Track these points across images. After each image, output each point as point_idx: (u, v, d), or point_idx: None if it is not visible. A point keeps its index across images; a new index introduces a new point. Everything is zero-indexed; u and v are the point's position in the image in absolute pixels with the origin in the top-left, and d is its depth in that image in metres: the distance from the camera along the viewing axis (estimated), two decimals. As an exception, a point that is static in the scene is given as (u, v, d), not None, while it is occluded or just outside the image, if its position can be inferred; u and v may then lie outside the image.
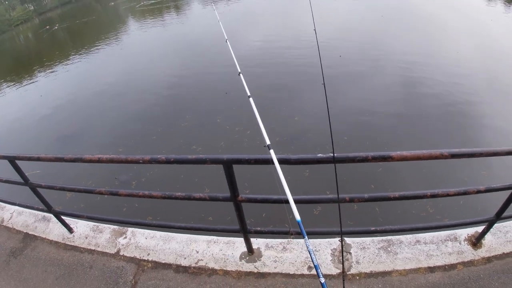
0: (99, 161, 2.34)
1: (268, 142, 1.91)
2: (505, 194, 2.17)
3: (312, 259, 1.29)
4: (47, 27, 25.17)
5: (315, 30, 2.75)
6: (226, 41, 3.35)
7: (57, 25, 25.40)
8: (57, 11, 33.23)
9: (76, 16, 27.84)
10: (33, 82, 12.96)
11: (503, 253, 2.41)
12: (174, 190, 4.87)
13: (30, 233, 3.32)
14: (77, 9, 32.67)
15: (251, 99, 2.43)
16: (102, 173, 5.87)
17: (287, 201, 1.72)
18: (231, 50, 3.11)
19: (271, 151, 1.84)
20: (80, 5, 34.26)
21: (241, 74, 2.77)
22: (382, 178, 4.96)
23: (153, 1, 25.12)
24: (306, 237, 1.37)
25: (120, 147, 6.71)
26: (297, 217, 1.46)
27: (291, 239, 2.65)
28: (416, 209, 4.36)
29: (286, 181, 5.17)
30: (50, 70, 13.77)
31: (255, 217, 4.34)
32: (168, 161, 2.13)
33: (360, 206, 4.31)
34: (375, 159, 1.86)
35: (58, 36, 22.86)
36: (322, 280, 1.24)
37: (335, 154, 1.82)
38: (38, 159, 2.58)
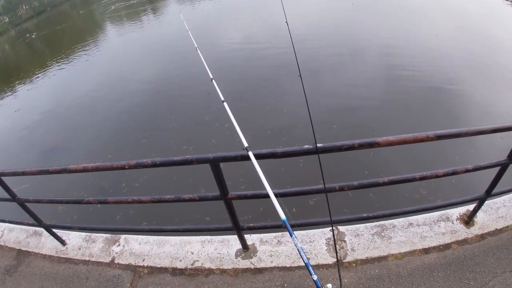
0: (84, 170, 2.29)
1: (246, 144, 1.89)
2: (493, 171, 2.19)
3: (302, 256, 1.27)
4: (27, 35, 24.77)
5: (286, 22, 2.73)
6: (196, 49, 3.33)
7: (35, 33, 24.98)
8: (33, 21, 32.43)
9: (53, 23, 27.30)
10: (14, 95, 12.65)
11: (496, 229, 2.43)
12: (169, 193, 4.85)
13: (23, 249, 3.26)
14: (52, 17, 31.96)
15: (225, 103, 2.41)
16: (95, 182, 5.78)
17: (277, 195, 1.70)
18: (202, 58, 3.11)
19: (250, 153, 1.82)
20: (55, 13, 33.56)
21: (213, 80, 2.76)
22: (375, 163, 4.97)
23: (124, 4, 24.66)
24: (293, 235, 1.35)
25: (109, 154, 6.60)
26: (282, 216, 1.43)
27: (285, 232, 2.64)
28: (410, 192, 4.38)
29: (280, 173, 5.15)
30: (29, 82, 13.42)
31: (252, 213, 4.32)
32: (154, 165, 2.10)
33: (354, 193, 4.32)
34: (361, 146, 1.85)
35: (36, 45, 22.39)
36: (315, 277, 1.23)
37: (319, 145, 1.80)
38: (23, 173, 2.53)
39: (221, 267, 2.58)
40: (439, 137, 1.83)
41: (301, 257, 1.27)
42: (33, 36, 24.19)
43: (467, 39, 8.71)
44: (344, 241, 2.55)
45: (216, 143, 6.06)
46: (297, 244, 1.30)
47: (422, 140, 1.83)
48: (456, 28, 9.54)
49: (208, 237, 2.81)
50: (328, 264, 2.43)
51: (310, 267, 1.25)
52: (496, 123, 1.92)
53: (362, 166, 4.92)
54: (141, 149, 6.48)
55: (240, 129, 2.10)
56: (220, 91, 2.60)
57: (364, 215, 2.29)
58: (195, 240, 2.81)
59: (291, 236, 1.35)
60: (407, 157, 4.95)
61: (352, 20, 11.59)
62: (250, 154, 1.82)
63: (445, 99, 6.34)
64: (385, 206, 4.18)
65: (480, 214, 2.52)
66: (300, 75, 2.24)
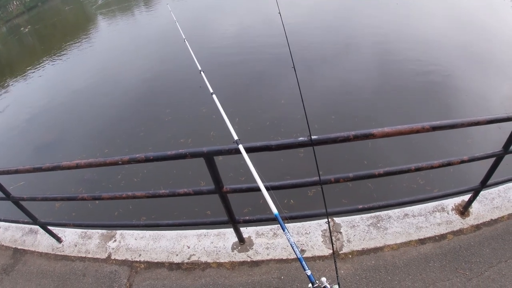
0: (77, 166, 2.25)
1: (236, 137, 1.87)
2: (489, 162, 2.18)
3: (295, 251, 1.26)
4: (22, 28, 24.68)
5: (279, 13, 2.68)
6: (184, 41, 3.29)
7: (29, 26, 24.85)
8: (24, 17, 32.03)
9: (44, 19, 27.06)
10: (5, 91, 12.45)
11: (491, 219, 2.44)
12: (165, 188, 4.83)
13: (19, 247, 3.24)
14: (43, 12, 31.56)
15: (214, 96, 2.37)
16: (93, 177, 5.71)
17: (272, 188, 1.69)
18: (190, 50, 3.08)
19: (240, 146, 1.80)
20: (46, 8, 33.13)
21: (202, 72, 2.72)
22: (374, 153, 4.94)
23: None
24: (286, 230, 1.33)
25: (106, 148, 6.55)
26: (274, 210, 1.42)
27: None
28: (407, 182, 4.38)
29: (281, 164, 5.12)
30: (22, 77, 13.24)
31: (252, 205, 4.29)
32: (147, 160, 2.07)
33: (354, 184, 4.33)
34: (356, 138, 1.83)
35: (28, 40, 22.07)
36: (308, 272, 1.21)
37: (314, 137, 1.79)
38: (16, 171, 2.49)
39: (217, 261, 2.58)
40: (435, 128, 1.81)
41: (294, 252, 1.25)
42: (27, 30, 24.00)
43: (462, 29, 8.69)
44: (340, 232, 2.55)
45: (215, 135, 5.98)
46: (289, 239, 1.28)
47: (417, 131, 1.81)
48: (451, 18, 9.51)
49: (204, 231, 2.81)
50: (324, 255, 2.44)
51: (304, 262, 1.24)
52: (492, 114, 1.90)
53: (361, 156, 4.92)
54: (139, 143, 6.42)
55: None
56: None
57: (360, 206, 2.28)
58: (191, 234, 2.81)
59: (283, 231, 1.33)
60: (406, 148, 4.93)
61: (345, 10, 11.56)
62: (240, 147, 1.80)
63: (442, 90, 6.33)
64: (383, 196, 4.19)
65: (475, 205, 2.53)
66: (294, 67, 2.21)
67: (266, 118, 6.25)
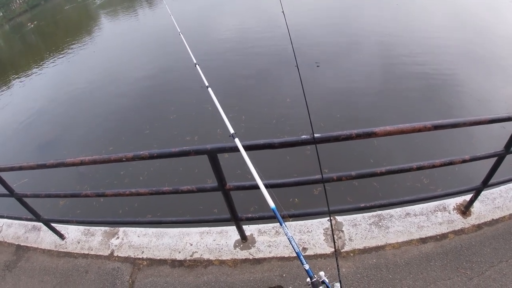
0: (81, 163, 2.27)
1: (232, 131, 1.88)
2: (491, 161, 2.19)
3: (292, 246, 1.26)
4: (29, 23, 25.06)
5: (283, 12, 2.70)
6: (179, 34, 3.32)
7: (35, 22, 25.18)
8: (27, 15, 32.22)
9: (47, 17, 27.27)
10: (8, 90, 12.52)
11: (492, 219, 2.44)
12: (177, 184, 4.80)
13: (22, 244, 3.26)
14: (46, 10, 31.79)
15: (209, 89, 2.37)
16: (98, 175, 5.72)
17: (272, 186, 1.71)
18: (185, 43, 3.09)
19: (236, 140, 1.81)
20: (49, 6, 33.36)
21: (197, 66, 2.73)
22: (380, 152, 4.95)
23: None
24: (283, 224, 1.34)
25: (111, 146, 6.56)
26: (271, 204, 1.42)
27: (284, 223, 2.64)
28: (412, 181, 4.37)
29: (286, 161, 5.10)
30: (25, 75, 13.26)
31: (258, 204, 4.29)
32: (151, 157, 2.09)
33: (359, 182, 4.32)
34: (359, 136, 1.84)
35: (31, 38, 22.18)
36: (307, 266, 1.22)
37: (317, 135, 1.79)
38: (20, 168, 2.51)
39: (220, 258, 2.59)
40: (437, 127, 1.81)
41: (292, 246, 1.26)
42: (32, 26, 24.25)
43: (463, 28, 8.70)
44: (342, 231, 2.56)
45: (221, 133, 6.00)
46: (287, 233, 1.29)
47: (419, 130, 1.81)
48: (452, 17, 9.53)
49: (207, 229, 2.82)
50: (326, 254, 2.45)
51: (301, 256, 1.24)
52: (494, 113, 1.91)
53: (368, 155, 4.92)
54: (144, 141, 6.43)
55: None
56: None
57: (362, 205, 2.29)
58: (193, 232, 2.82)
59: (281, 225, 1.33)
60: (411, 147, 4.93)
61: (346, 10, 11.63)
62: (236, 140, 1.81)
63: (444, 89, 6.34)
64: (388, 195, 4.19)
65: (476, 204, 2.53)
66: (297, 65, 2.22)
67: (272, 116, 6.27)
